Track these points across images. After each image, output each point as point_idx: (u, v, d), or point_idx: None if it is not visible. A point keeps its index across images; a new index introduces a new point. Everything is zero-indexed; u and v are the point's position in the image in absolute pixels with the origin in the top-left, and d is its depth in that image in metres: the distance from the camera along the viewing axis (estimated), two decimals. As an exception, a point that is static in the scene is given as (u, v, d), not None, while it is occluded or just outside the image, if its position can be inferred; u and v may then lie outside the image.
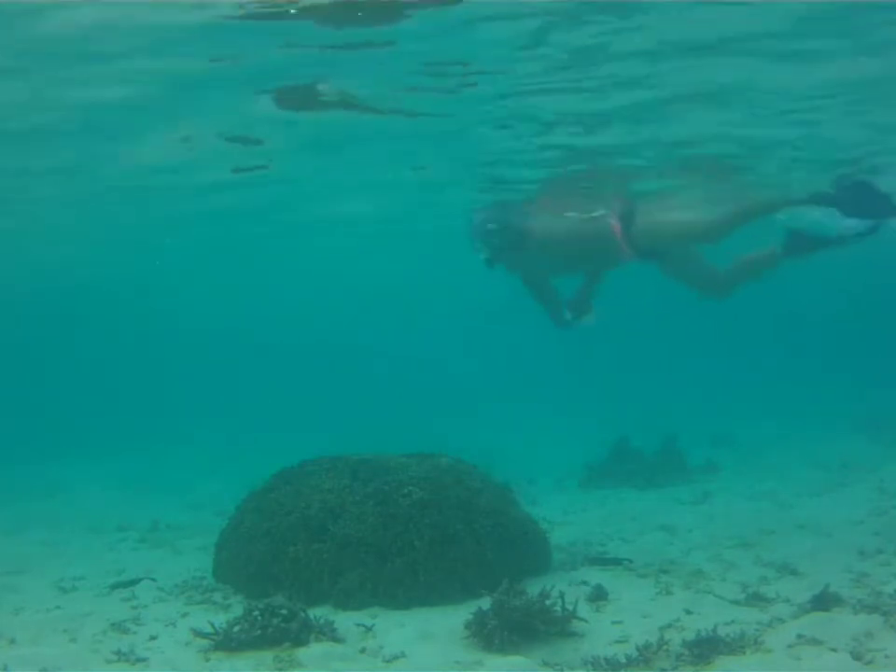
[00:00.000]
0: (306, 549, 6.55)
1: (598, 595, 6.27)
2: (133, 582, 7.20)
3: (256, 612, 5.59)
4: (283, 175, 11.05)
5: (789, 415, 16.35)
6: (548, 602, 5.54)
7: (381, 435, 10.07)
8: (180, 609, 6.54)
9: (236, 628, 5.55)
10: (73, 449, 16.40)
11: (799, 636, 5.24)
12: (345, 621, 5.89)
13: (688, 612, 5.90)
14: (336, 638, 5.58)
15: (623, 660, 5.03)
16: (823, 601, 5.74)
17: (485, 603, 5.58)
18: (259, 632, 5.49)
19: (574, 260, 8.41)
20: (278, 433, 17.08)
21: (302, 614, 5.62)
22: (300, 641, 5.47)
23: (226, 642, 5.50)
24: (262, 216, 14.54)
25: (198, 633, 5.66)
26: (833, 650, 5.03)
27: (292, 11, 5.67)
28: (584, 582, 6.60)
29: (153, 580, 7.29)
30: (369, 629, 5.77)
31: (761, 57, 6.77)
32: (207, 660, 5.38)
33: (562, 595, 5.61)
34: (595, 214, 8.73)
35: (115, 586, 7.17)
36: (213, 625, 5.60)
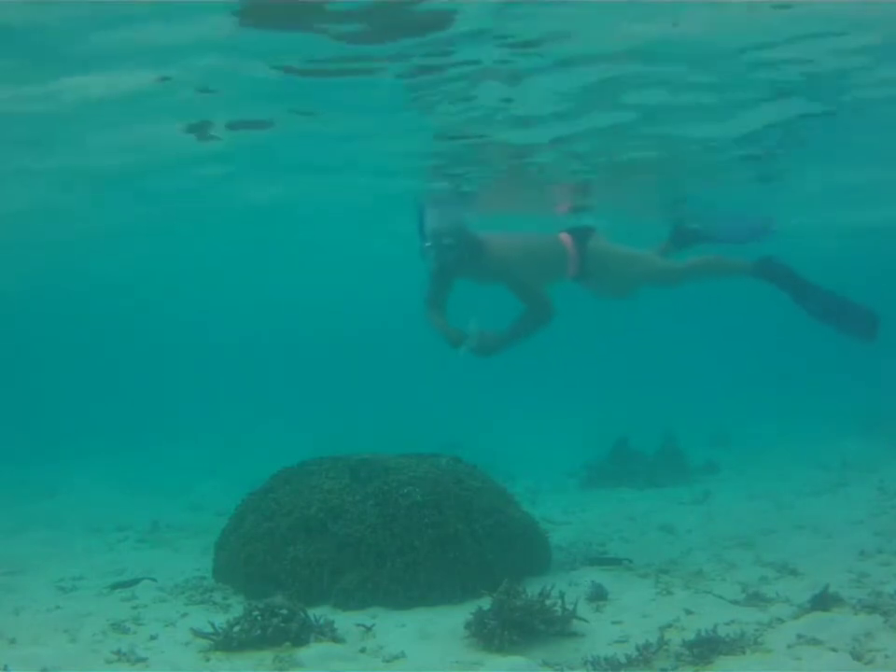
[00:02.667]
0: (306, 549, 6.55)
1: (598, 595, 6.27)
2: (133, 582, 7.19)
3: (256, 612, 5.59)
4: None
5: (788, 415, 16.37)
6: (548, 602, 5.53)
7: (381, 435, 10.08)
8: (180, 609, 6.53)
9: (236, 628, 5.54)
10: (73, 449, 16.40)
11: (799, 636, 5.24)
12: (345, 621, 5.88)
13: (688, 612, 5.89)
14: (336, 638, 5.58)
15: (623, 660, 5.03)
16: (823, 601, 5.73)
17: (485, 603, 5.58)
18: (258, 632, 5.48)
19: (523, 275, 8.12)
20: (278, 433, 17.09)
21: (302, 614, 5.61)
22: (300, 641, 5.46)
23: (226, 642, 5.49)
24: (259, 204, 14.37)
25: (198, 633, 5.66)
26: (833, 650, 5.02)
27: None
28: (584, 582, 6.60)
29: (153, 580, 7.28)
30: (369, 629, 5.76)
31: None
32: (207, 660, 5.37)
33: (562, 595, 5.61)
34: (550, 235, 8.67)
35: (115, 586, 7.16)
36: (213, 625, 5.59)
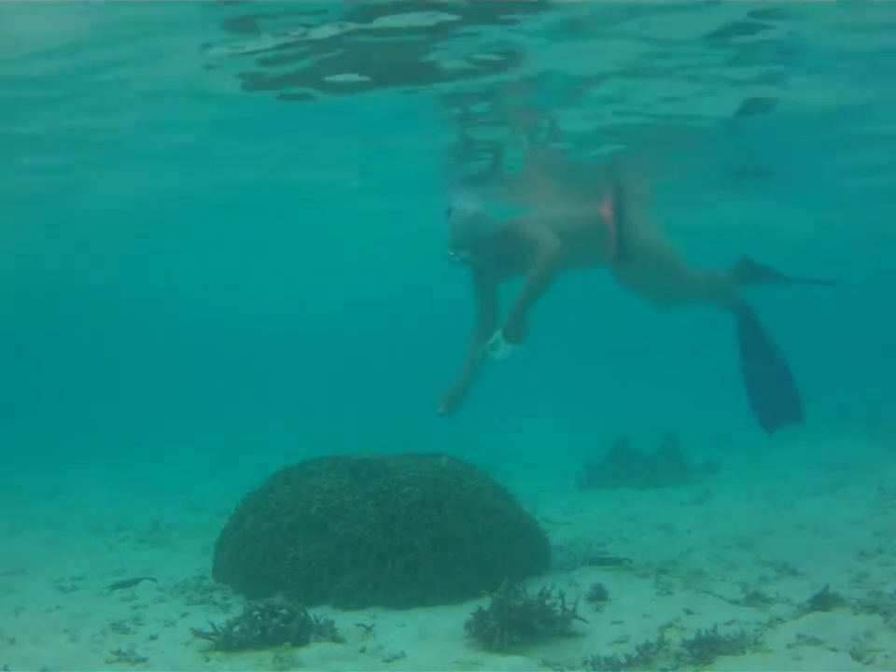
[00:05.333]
0: (306, 549, 6.55)
1: (598, 595, 6.26)
2: (133, 582, 7.19)
3: (256, 612, 5.59)
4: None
5: (788, 415, 16.31)
6: (548, 602, 5.53)
7: (381, 435, 10.07)
8: (180, 609, 6.54)
9: (236, 628, 5.54)
10: (73, 449, 16.39)
11: (799, 636, 5.24)
12: (345, 621, 5.88)
13: (688, 612, 5.89)
14: (336, 638, 5.58)
15: (623, 660, 5.03)
16: (823, 601, 5.73)
17: (485, 603, 5.58)
18: (258, 632, 5.48)
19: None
20: (278, 433, 17.08)
21: (302, 614, 5.61)
22: (300, 641, 5.46)
23: (226, 642, 5.49)
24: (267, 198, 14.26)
25: (198, 633, 5.66)
26: (833, 650, 5.02)
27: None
28: (584, 582, 6.60)
29: (153, 580, 7.28)
30: (369, 629, 5.76)
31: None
32: (207, 660, 5.37)
33: (562, 595, 5.61)
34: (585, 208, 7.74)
35: (115, 586, 7.16)
36: (213, 625, 5.59)
